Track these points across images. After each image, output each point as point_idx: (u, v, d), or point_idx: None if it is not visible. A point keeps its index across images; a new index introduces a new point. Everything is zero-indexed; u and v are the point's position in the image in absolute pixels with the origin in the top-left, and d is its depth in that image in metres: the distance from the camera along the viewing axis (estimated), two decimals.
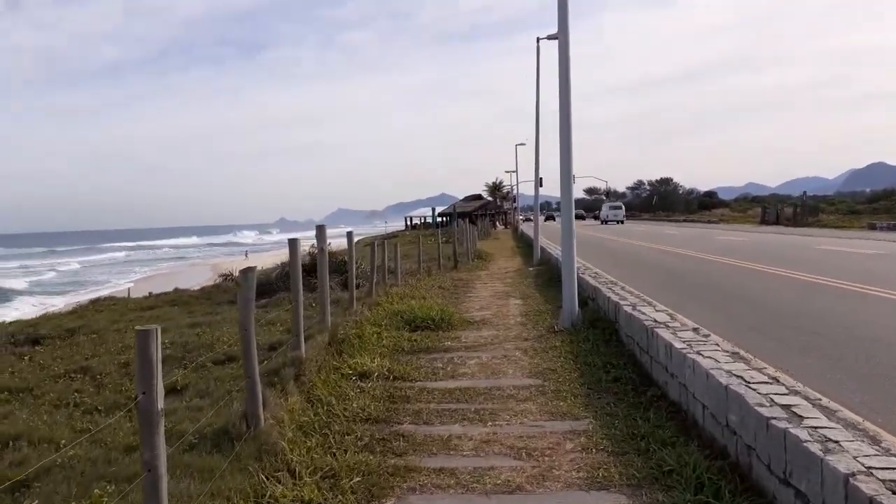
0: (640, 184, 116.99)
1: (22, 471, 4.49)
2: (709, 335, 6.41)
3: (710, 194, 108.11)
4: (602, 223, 65.71)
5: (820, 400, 4.26)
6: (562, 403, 6.26)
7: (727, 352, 5.64)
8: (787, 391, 4.44)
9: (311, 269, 11.61)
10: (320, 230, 9.17)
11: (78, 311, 15.50)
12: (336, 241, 14.44)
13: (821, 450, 3.39)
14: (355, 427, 5.67)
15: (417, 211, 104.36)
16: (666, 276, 14.91)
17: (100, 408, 6.52)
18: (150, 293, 19.02)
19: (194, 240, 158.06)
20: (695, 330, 6.69)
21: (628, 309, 8.20)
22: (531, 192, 33.11)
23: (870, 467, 3.16)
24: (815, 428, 3.69)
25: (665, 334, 6.41)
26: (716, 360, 5.27)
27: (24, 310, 30.65)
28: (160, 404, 3.29)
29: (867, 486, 2.97)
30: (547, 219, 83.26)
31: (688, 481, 4.23)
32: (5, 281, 51.31)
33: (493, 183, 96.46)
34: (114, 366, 8.27)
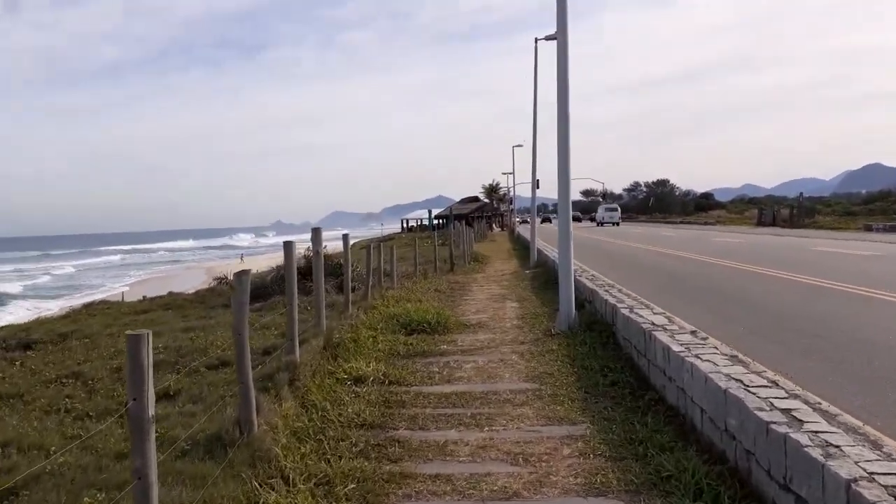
0: (636, 185, 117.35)
1: (10, 478, 4.41)
2: (707, 338, 6.36)
3: (707, 196, 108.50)
4: (598, 225, 65.89)
5: (820, 404, 4.21)
6: (559, 408, 6.20)
7: (726, 355, 5.59)
8: (786, 395, 4.39)
9: (306, 273, 11.55)
10: (316, 233, 9.12)
11: (71, 316, 15.40)
12: (332, 244, 14.39)
13: (822, 455, 3.34)
14: (350, 433, 5.61)
15: (414, 213, 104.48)
16: (666, 278, 14.84)
17: (91, 414, 6.43)
18: (144, 297, 18.94)
19: (190, 243, 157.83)
20: (693, 333, 6.64)
21: (626, 311, 8.15)
22: (528, 194, 33.16)
23: (872, 473, 3.12)
24: (816, 432, 3.65)
25: (663, 337, 6.35)
26: (714, 364, 5.23)
27: (18, 314, 30.51)
28: (151, 410, 3.24)
29: (869, 493, 2.93)
30: (543, 221, 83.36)
31: (686, 487, 4.20)
32: (0, 285, 51.19)
33: (490, 185, 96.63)
34: (106, 371, 8.18)
